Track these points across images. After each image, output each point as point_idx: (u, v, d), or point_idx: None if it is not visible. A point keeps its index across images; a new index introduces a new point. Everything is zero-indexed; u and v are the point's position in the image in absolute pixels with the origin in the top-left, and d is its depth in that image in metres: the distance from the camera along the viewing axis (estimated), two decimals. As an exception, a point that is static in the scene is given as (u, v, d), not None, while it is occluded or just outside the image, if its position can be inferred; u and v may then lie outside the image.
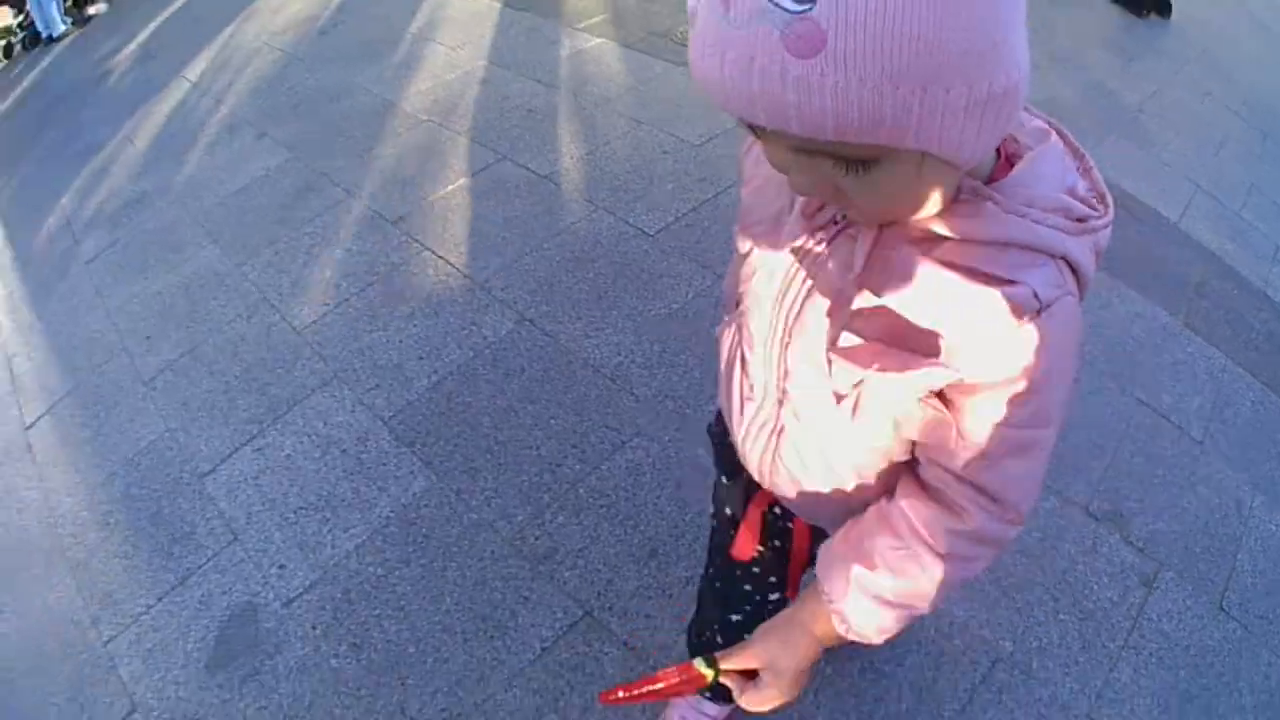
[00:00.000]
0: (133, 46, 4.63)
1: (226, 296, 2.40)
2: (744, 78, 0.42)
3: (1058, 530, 1.62)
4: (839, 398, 0.64)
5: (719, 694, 0.95)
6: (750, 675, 0.74)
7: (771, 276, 0.66)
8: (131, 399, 2.16)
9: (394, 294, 2.28)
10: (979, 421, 0.59)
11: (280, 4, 4.43)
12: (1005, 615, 1.49)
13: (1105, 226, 0.57)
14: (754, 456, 0.79)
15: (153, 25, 4.85)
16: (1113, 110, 3.19)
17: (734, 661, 0.74)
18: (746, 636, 0.75)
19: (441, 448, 1.85)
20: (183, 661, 1.57)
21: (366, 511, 1.74)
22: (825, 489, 0.74)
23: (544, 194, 2.57)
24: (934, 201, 0.52)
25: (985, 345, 0.55)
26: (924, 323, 0.56)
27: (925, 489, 0.65)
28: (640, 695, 0.75)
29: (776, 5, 0.39)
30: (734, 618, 1.05)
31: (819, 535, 0.83)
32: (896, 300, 0.57)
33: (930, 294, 0.55)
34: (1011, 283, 0.53)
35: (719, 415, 0.90)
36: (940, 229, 0.54)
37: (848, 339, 0.60)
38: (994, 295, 0.53)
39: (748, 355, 0.74)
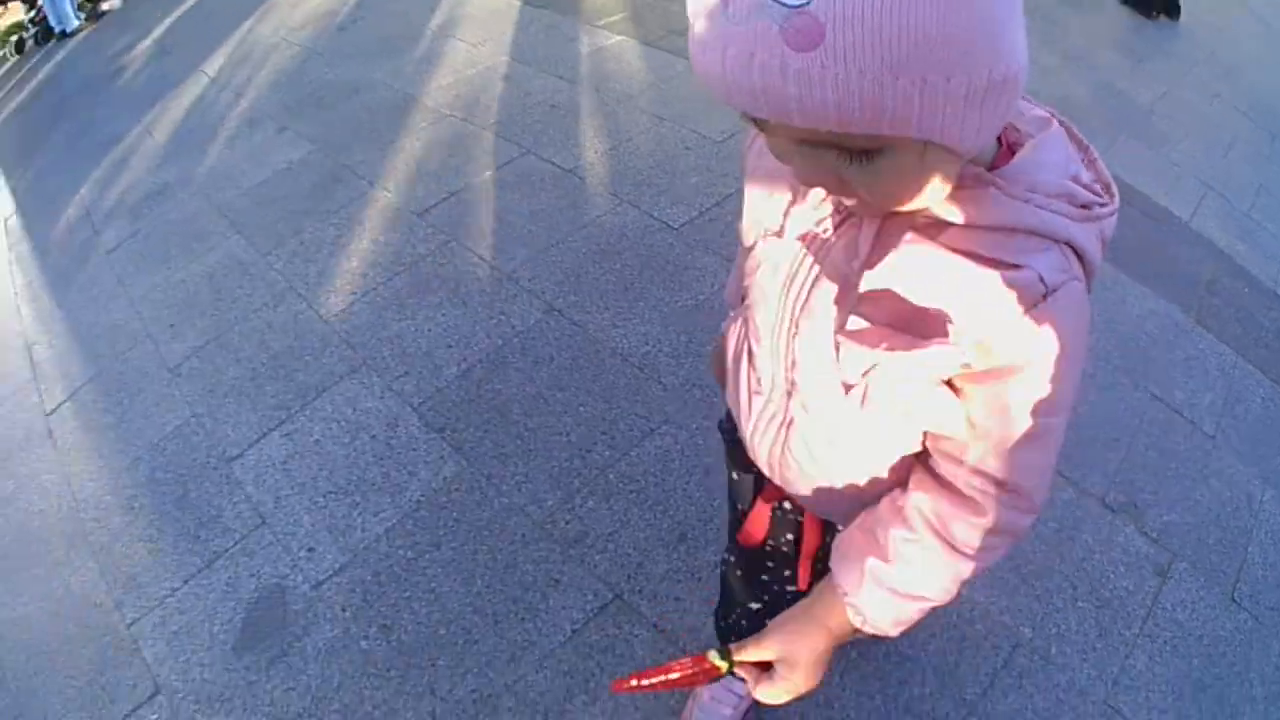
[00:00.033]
0: (148, 42, 4.64)
1: (252, 285, 2.42)
2: (745, 73, 0.42)
3: (1075, 520, 1.65)
4: (847, 388, 0.64)
5: None
6: (765, 667, 0.73)
7: (776, 269, 0.66)
8: (156, 385, 2.17)
9: (421, 284, 2.29)
10: (989, 410, 0.59)
11: (297, 0, 4.44)
12: (1025, 602, 1.51)
13: (1111, 215, 0.57)
14: (763, 450, 0.79)
15: (167, 21, 4.87)
16: (1124, 110, 3.22)
17: (749, 653, 0.72)
18: (768, 623, 0.74)
19: (471, 433, 1.86)
20: (208, 644, 1.58)
21: (396, 496, 1.76)
22: (835, 482, 0.74)
23: (569, 187, 2.59)
24: (937, 189, 0.52)
25: (993, 330, 0.55)
26: (931, 305, 0.56)
27: (938, 480, 0.65)
28: (653, 685, 0.74)
29: (775, 0, 0.40)
30: (754, 606, 1.05)
31: (830, 530, 0.85)
32: (903, 285, 0.57)
33: (936, 279, 0.55)
34: (1017, 267, 0.53)
35: (729, 413, 0.90)
36: (945, 215, 0.55)
37: (855, 322, 0.59)
38: (1000, 279, 0.53)
39: (754, 348, 0.74)
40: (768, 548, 0.94)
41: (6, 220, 3.37)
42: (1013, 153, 0.57)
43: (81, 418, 2.18)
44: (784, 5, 0.40)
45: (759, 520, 0.91)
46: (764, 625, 0.74)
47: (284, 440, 1.92)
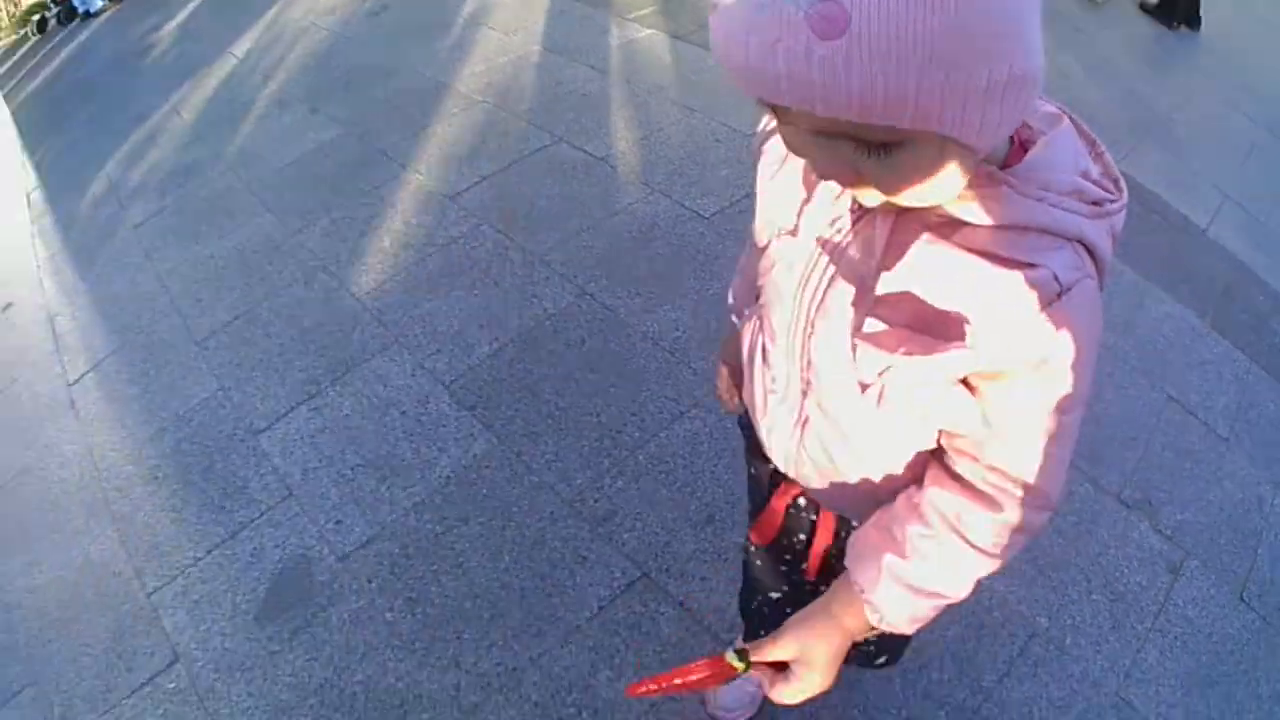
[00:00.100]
0: (173, 24, 4.66)
1: (282, 262, 2.44)
2: (769, 59, 0.42)
3: (1092, 515, 1.68)
4: (864, 387, 0.64)
5: None
6: (781, 667, 0.72)
7: (791, 268, 0.66)
8: (183, 358, 2.19)
9: (453, 265, 2.31)
10: (1005, 408, 0.59)
11: (327, -14, 4.46)
12: (1041, 593, 1.54)
13: (1121, 210, 0.57)
14: (779, 449, 0.79)
15: (192, 4, 4.88)
16: (1145, 118, 3.24)
17: (765, 654, 0.71)
18: (789, 612, 0.74)
19: (502, 412, 1.88)
20: (230, 613, 1.59)
21: (426, 471, 1.78)
22: (851, 479, 0.74)
23: (600, 175, 2.61)
24: (953, 185, 0.51)
25: (1008, 329, 0.54)
26: (948, 307, 0.56)
27: (954, 477, 0.64)
28: (669, 688, 0.73)
29: None
30: (774, 595, 1.06)
31: (845, 526, 0.85)
32: (919, 285, 0.57)
33: (952, 278, 0.55)
34: (1031, 266, 0.53)
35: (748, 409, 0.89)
36: (958, 213, 0.54)
37: (873, 324, 0.59)
38: (1015, 278, 0.53)
39: (769, 347, 0.74)
40: (783, 543, 0.95)
41: (29, 194, 3.39)
42: (1025, 149, 0.57)
43: (105, 388, 2.19)
44: None
45: (771, 520, 0.92)
46: (784, 615, 0.74)
47: (312, 414, 1.94)
